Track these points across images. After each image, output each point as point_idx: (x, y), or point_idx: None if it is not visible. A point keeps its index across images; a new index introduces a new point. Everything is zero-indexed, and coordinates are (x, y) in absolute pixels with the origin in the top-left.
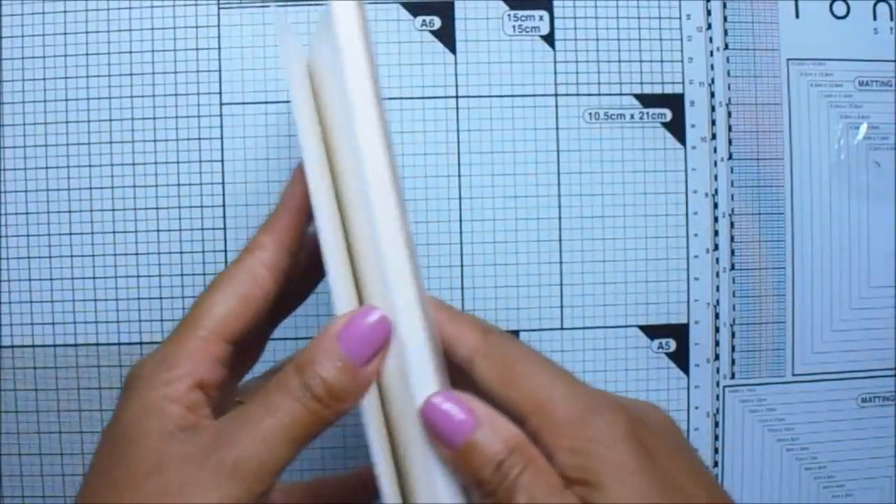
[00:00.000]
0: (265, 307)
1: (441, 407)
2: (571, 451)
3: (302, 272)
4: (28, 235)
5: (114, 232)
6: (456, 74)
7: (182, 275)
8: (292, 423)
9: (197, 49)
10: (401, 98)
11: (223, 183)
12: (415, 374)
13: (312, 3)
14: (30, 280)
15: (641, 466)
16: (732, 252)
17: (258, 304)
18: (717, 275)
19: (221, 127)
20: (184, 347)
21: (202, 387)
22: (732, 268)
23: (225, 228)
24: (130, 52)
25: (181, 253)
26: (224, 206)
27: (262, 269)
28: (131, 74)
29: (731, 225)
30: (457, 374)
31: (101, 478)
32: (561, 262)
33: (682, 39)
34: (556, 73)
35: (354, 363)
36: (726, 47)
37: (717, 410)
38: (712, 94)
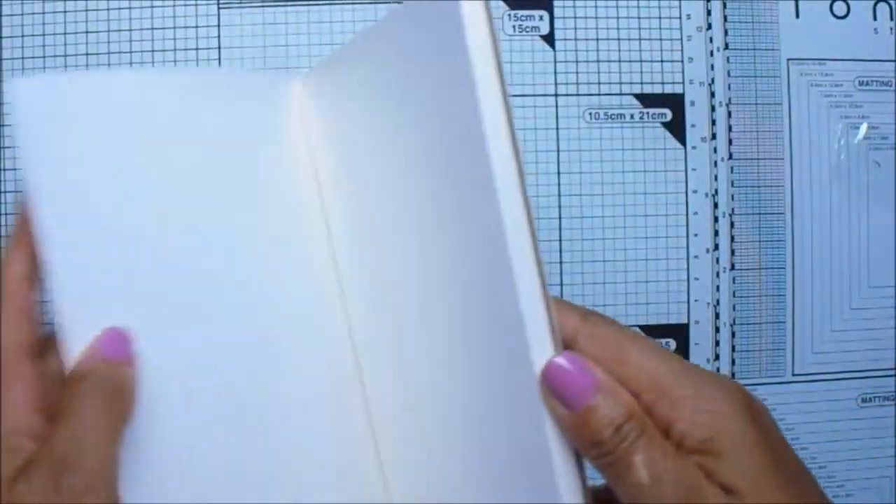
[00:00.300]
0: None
1: (565, 368)
2: (692, 422)
3: None
4: None
5: None
6: None
7: None
8: (107, 423)
9: (197, 49)
10: None
11: None
12: (533, 337)
13: (313, 3)
14: None
15: (759, 441)
16: (732, 252)
17: (31, 312)
18: (717, 275)
19: None
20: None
21: (40, 408)
22: (732, 268)
23: None
24: (130, 52)
25: None
26: None
27: (18, 281)
28: None
29: (731, 225)
30: None
31: None
32: (561, 262)
33: (682, 39)
34: (556, 72)
35: (117, 360)
36: (726, 47)
37: None
38: (712, 94)
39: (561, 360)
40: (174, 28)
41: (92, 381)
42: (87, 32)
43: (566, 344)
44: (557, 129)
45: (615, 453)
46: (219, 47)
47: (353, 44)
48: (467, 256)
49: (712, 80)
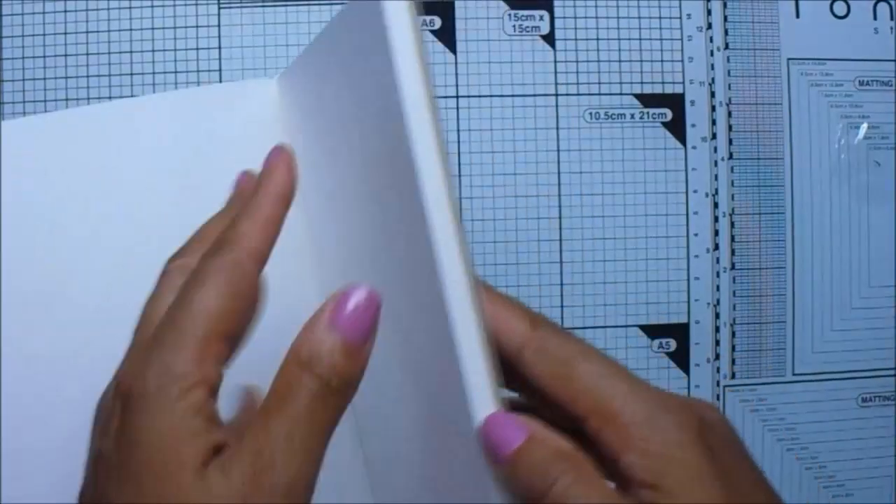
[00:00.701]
0: (255, 302)
1: (495, 426)
2: (641, 452)
3: None
4: None
5: None
6: (456, 74)
7: None
8: (322, 426)
9: (197, 49)
10: None
11: None
12: (474, 395)
13: (313, 3)
14: None
15: (710, 472)
16: (733, 252)
17: (250, 298)
18: (718, 274)
19: None
20: (187, 352)
21: (214, 394)
22: (733, 267)
23: None
24: (131, 52)
25: None
26: None
27: (249, 261)
28: (132, 74)
29: (732, 225)
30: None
31: None
32: (561, 262)
33: (682, 39)
34: (556, 72)
35: (355, 345)
36: (727, 47)
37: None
38: (713, 94)
39: (491, 419)
40: (174, 28)
41: (319, 372)
42: (87, 32)
43: (512, 355)
44: (557, 128)
45: (549, 496)
46: (219, 47)
47: (310, 45)
48: (411, 300)
49: (712, 79)
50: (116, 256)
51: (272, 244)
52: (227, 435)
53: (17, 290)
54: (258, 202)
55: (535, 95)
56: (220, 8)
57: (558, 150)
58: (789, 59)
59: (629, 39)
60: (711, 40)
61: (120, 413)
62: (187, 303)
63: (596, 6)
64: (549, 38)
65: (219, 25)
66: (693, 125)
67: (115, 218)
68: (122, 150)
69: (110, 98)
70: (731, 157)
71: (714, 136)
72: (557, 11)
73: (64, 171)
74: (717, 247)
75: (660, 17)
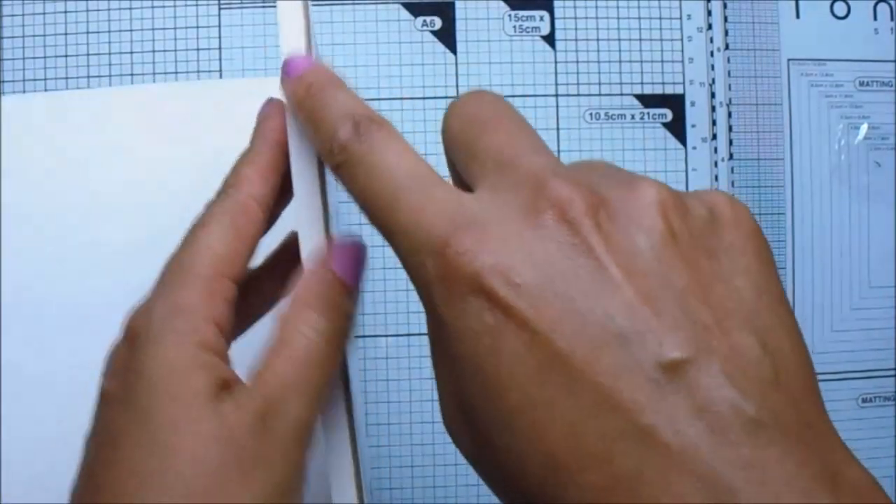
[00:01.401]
0: (257, 244)
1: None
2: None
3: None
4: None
5: None
6: (457, 74)
7: None
8: (325, 367)
9: (198, 49)
10: (401, 98)
11: None
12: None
13: (313, 4)
14: None
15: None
16: None
17: (253, 240)
18: None
19: None
20: (193, 290)
21: (223, 332)
22: None
23: None
24: (131, 53)
25: None
26: None
27: (252, 202)
28: (132, 75)
29: None
30: None
31: (138, 451)
32: None
33: (682, 40)
34: (556, 73)
35: (350, 286)
36: (727, 47)
37: None
38: (713, 95)
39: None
40: (175, 28)
41: (321, 310)
42: (87, 33)
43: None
44: (558, 129)
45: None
46: (220, 48)
47: None
48: None
49: (713, 80)
50: (117, 244)
51: (274, 189)
52: (234, 375)
53: (17, 279)
54: (256, 149)
55: (535, 96)
56: (220, 8)
57: (559, 151)
58: (789, 59)
59: (629, 40)
60: (712, 41)
61: (127, 352)
62: (192, 243)
63: (596, 7)
64: (550, 39)
65: (219, 26)
66: (693, 126)
67: (117, 202)
68: (127, 135)
69: None
70: (731, 157)
71: (714, 137)
72: (558, 12)
73: (68, 152)
74: None
75: (660, 18)
